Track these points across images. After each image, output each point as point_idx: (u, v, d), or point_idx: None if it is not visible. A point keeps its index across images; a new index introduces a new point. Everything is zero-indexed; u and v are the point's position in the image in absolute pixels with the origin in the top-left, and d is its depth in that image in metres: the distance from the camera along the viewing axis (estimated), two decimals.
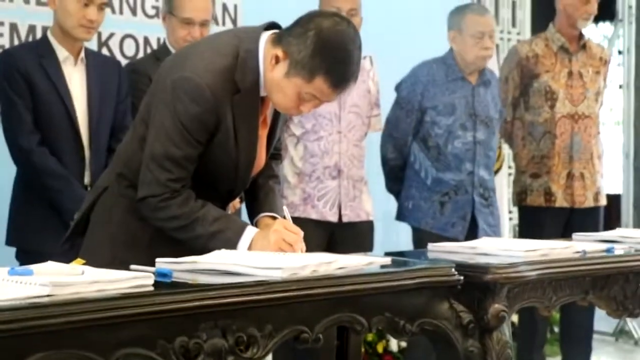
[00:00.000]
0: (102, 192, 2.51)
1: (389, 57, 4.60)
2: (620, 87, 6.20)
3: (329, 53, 2.28)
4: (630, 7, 6.12)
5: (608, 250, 2.67)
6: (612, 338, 5.91)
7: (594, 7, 4.44)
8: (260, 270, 1.96)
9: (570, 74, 4.46)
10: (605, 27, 8.55)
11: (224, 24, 4.55)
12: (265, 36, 2.38)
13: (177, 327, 1.73)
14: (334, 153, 3.87)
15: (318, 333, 1.95)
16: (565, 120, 4.43)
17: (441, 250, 2.63)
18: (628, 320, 5.85)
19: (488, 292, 2.27)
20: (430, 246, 2.66)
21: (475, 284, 2.27)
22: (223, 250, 2.26)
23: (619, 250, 2.71)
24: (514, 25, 5.86)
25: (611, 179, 6.44)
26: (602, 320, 5.08)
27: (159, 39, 4.09)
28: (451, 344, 2.22)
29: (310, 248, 2.45)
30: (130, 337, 1.66)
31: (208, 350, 1.75)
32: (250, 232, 2.38)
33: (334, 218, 3.88)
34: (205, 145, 2.38)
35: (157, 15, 4.17)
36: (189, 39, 3.49)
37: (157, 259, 2.07)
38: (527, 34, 5.77)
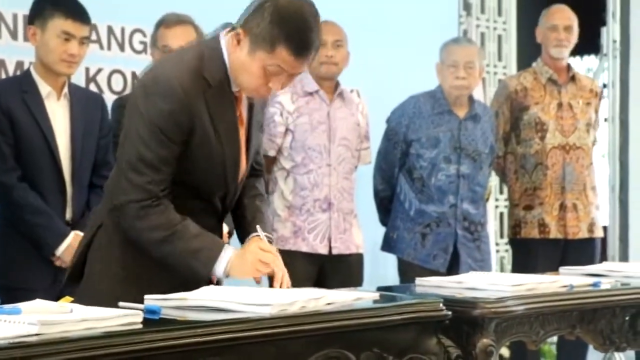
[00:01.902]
0: (97, 230, 2.47)
1: (380, 90, 4.64)
2: (606, 120, 6.24)
3: (287, 22, 2.28)
4: (614, 41, 6.18)
5: (595, 285, 2.68)
6: None
7: (563, 35, 4.47)
8: (249, 306, 1.97)
9: (560, 105, 4.49)
10: (590, 60, 8.61)
11: None
12: (224, 32, 2.39)
13: None
14: (324, 186, 3.89)
15: None
16: (556, 151, 4.45)
17: (429, 284, 2.63)
18: (615, 353, 5.84)
19: (476, 327, 2.29)
20: (418, 280, 2.67)
21: (464, 319, 2.28)
22: (212, 287, 2.26)
23: (605, 284, 2.72)
24: (499, 59, 5.90)
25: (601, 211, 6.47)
26: (590, 354, 5.08)
27: None
28: None
29: (300, 281, 2.46)
30: None
31: None
32: (228, 252, 2.35)
33: (324, 251, 3.89)
34: (180, 146, 2.33)
35: (145, 50, 4.18)
36: None
37: (146, 296, 2.07)
38: (513, 67, 5.82)
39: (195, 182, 2.41)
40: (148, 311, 1.91)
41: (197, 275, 2.35)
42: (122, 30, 4.17)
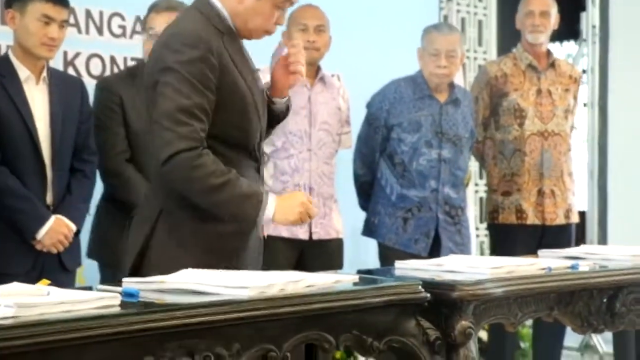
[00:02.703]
0: (158, 216, 2.45)
1: (361, 74, 4.63)
2: (585, 105, 6.26)
3: None
4: (594, 26, 6.19)
5: (573, 267, 2.69)
6: (577, 353, 5.94)
7: (539, 20, 4.46)
8: (227, 289, 1.96)
9: (539, 91, 4.49)
10: (570, 46, 8.63)
11: None
12: None
13: (144, 348, 1.72)
14: (304, 171, 3.87)
15: (286, 351, 1.95)
16: (534, 137, 4.45)
17: (408, 267, 2.63)
18: (593, 335, 5.89)
19: (455, 309, 2.29)
20: (398, 263, 2.66)
21: (442, 301, 2.28)
22: (190, 270, 2.25)
23: (583, 267, 2.73)
24: (480, 44, 5.90)
25: (579, 196, 6.50)
26: (568, 335, 5.11)
27: (125, 59, 4.09)
28: None
29: (280, 266, 2.48)
30: (96, 357, 1.65)
31: None
32: (272, 197, 2.45)
33: (304, 236, 3.88)
34: (213, 93, 2.38)
35: (124, 34, 4.16)
36: None
37: (124, 279, 2.06)
38: (493, 53, 5.82)
39: (232, 132, 2.46)
40: (126, 294, 1.90)
41: (246, 221, 2.43)
42: (101, 14, 4.13)
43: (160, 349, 1.74)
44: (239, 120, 2.47)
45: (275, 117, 2.71)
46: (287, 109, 2.75)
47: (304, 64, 2.64)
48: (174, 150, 2.32)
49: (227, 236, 2.47)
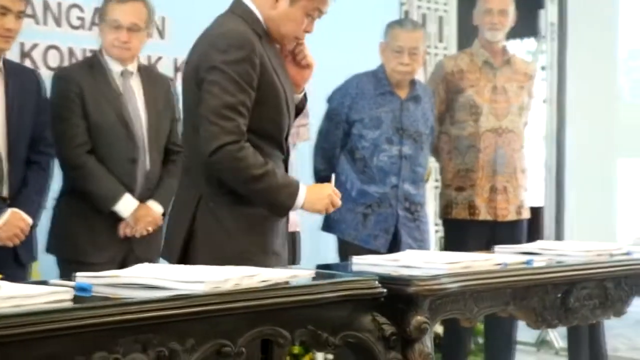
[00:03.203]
0: (198, 202, 2.66)
1: (322, 69, 4.61)
2: (544, 101, 6.31)
3: None
4: (552, 23, 6.23)
5: (528, 262, 2.71)
6: (533, 348, 5.99)
7: (497, 18, 4.48)
8: (182, 283, 1.95)
9: (494, 88, 4.51)
10: (530, 43, 8.69)
11: (151, 35, 4.50)
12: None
13: (96, 343, 1.71)
14: None
15: (241, 347, 1.94)
16: (489, 134, 4.48)
17: (365, 263, 2.64)
18: (549, 330, 5.94)
19: (411, 304, 2.29)
20: (355, 259, 2.67)
21: (398, 296, 2.28)
22: (146, 264, 2.24)
23: (538, 262, 2.75)
24: (440, 40, 5.93)
25: (536, 192, 6.56)
26: (524, 331, 5.15)
27: (84, 50, 4.04)
28: (374, 356, 2.23)
29: None
30: (48, 353, 1.64)
31: None
32: (303, 187, 2.68)
33: None
34: (254, 91, 2.59)
35: (82, 26, 4.11)
36: (117, 43, 3.48)
37: (77, 273, 2.04)
38: (453, 49, 5.84)
39: (266, 125, 2.67)
40: (78, 288, 1.88)
41: (280, 209, 2.67)
42: (59, 5, 4.08)
43: (113, 344, 1.73)
44: (273, 114, 2.68)
45: (297, 108, 2.90)
46: (304, 102, 2.95)
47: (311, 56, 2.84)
48: (220, 143, 2.55)
49: (263, 218, 2.68)
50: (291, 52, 2.81)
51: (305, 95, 2.94)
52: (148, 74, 3.68)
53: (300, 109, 2.93)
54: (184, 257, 2.66)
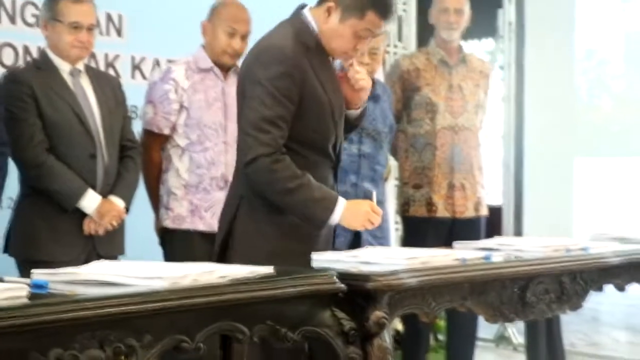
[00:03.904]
0: (240, 201, 2.81)
1: None
2: (502, 100, 6.36)
3: None
4: (510, 23, 6.29)
5: (486, 258, 2.73)
6: (492, 344, 6.04)
7: (453, 18, 4.51)
8: (141, 280, 1.94)
9: (450, 87, 4.55)
10: (489, 42, 8.76)
11: (108, 34, 4.48)
12: (306, 9, 2.81)
13: (52, 339, 1.70)
14: (220, 164, 3.84)
15: (199, 342, 1.94)
16: (445, 132, 4.51)
17: (325, 259, 2.64)
18: (508, 326, 5.99)
19: (370, 300, 2.30)
20: (314, 255, 2.65)
21: (358, 292, 2.29)
22: (104, 261, 2.23)
23: (496, 257, 2.77)
24: (400, 39, 5.95)
25: (495, 190, 6.61)
26: (483, 327, 5.20)
27: (39, 48, 4.00)
28: (333, 351, 2.24)
29: (198, 259, 2.45)
30: (3, 349, 1.62)
31: None
32: (342, 202, 2.74)
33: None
34: (295, 104, 2.69)
35: (37, 23, 4.07)
36: (77, 44, 3.46)
37: (34, 270, 2.03)
38: (412, 48, 5.87)
39: (311, 135, 2.77)
40: (35, 285, 1.87)
41: (316, 222, 2.73)
42: (13, 2, 4.04)
43: (69, 341, 1.72)
44: (316, 125, 2.77)
45: (352, 123, 3.01)
46: (362, 116, 3.05)
47: (365, 78, 2.90)
48: (254, 154, 2.67)
49: (298, 226, 2.76)
50: (345, 76, 2.89)
51: (363, 110, 3.04)
52: (95, 73, 3.70)
53: (355, 125, 3.06)
54: (223, 254, 2.81)
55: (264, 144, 2.67)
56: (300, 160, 2.74)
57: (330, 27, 2.75)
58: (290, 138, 2.73)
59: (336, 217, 2.73)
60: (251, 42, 3.92)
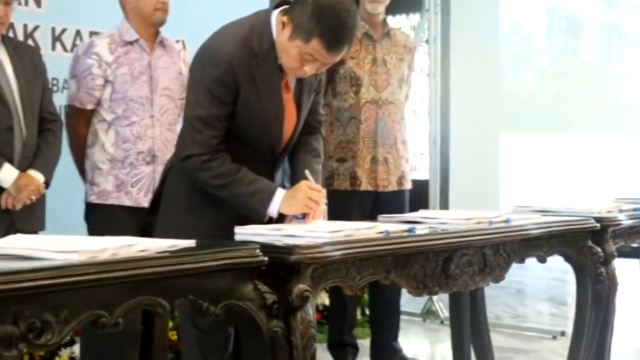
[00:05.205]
0: (168, 172, 2.96)
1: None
2: (428, 75, 6.39)
3: (325, 18, 2.62)
4: None
5: (410, 230, 2.73)
6: (419, 318, 6.11)
7: None
8: (57, 254, 1.90)
9: (374, 60, 4.56)
10: (415, 18, 8.81)
11: (26, 4, 4.38)
12: (278, 10, 2.76)
13: None
14: (147, 138, 3.80)
15: (118, 317, 1.90)
16: (369, 105, 4.53)
17: (248, 232, 2.62)
18: (434, 300, 6.07)
19: (293, 273, 2.29)
20: (237, 229, 2.64)
21: (281, 265, 2.28)
22: (20, 235, 2.18)
23: (420, 230, 2.79)
24: None
25: (423, 165, 6.66)
26: (410, 302, 5.26)
27: None
28: (256, 325, 2.23)
29: (125, 234, 2.41)
30: None
31: None
32: (280, 193, 2.77)
33: (148, 204, 3.81)
34: (231, 106, 2.75)
35: None
36: None
37: None
38: None
39: (245, 135, 2.82)
40: None
41: (255, 214, 2.77)
42: None
43: None
44: (248, 127, 2.81)
45: None
46: None
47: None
48: (188, 153, 2.78)
49: (211, 206, 2.84)
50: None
51: None
52: (13, 43, 3.60)
53: None
54: (150, 225, 2.96)
55: (197, 143, 2.75)
56: (239, 155, 2.80)
57: (281, 40, 2.72)
58: (229, 133, 2.80)
59: (274, 208, 2.77)
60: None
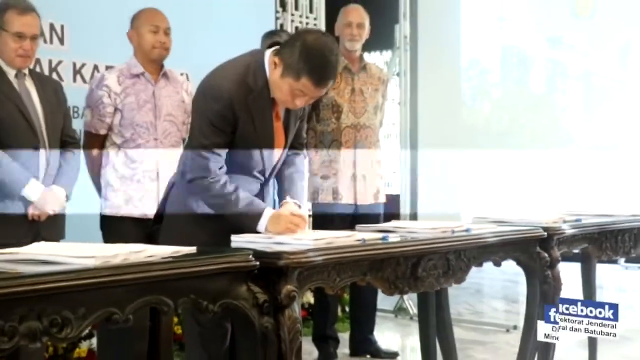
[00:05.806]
0: (170, 188, 2.95)
1: (199, 79, 4.57)
2: (399, 103, 6.42)
3: (311, 58, 2.62)
4: (405, 36, 6.36)
5: (383, 239, 2.73)
6: (392, 314, 6.10)
7: (355, 31, 4.56)
8: (75, 259, 1.89)
9: (353, 90, 4.58)
10: (387, 54, 8.84)
11: (51, 42, 4.37)
12: (270, 50, 2.74)
13: None
14: (152, 158, 3.79)
15: (128, 314, 1.90)
16: (349, 130, 4.55)
17: (242, 240, 2.62)
18: (405, 298, 6.07)
19: (281, 275, 2.29)
20: (233, 237, 2.65)
21: (271, 269, 2.28)
22: (43, 242, 2.17)
23: (392, 238, 2.79)
24: (311, 11, 5.98)
25: (395, 181, 6.66)
26: (384, 300, 5.25)
27: None
28: (249, 321, 2.22)
29: (132, 242, 2.39)
30: None
31: (23, 331, 1.68)
32: (267, 213, 2.74)
33: (153, 215, 3.79)
34: (230, 135, 2.74)
35: None
36: (21, 52, 3.36)
37: None
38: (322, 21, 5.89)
39: (241, 159, 2.81)
40: None
41: (247, 229, 2.71)
42: None
43: (9, 314, 1.67)
44: (243, 155, 2.81)
45: None
46: None
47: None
48: (192, 176, 2.77)
49: (211, 217, 2.81)
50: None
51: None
52: (39, 76, 3.60)
53: None
54: (156, 232, 2.95)
55: (201, 168, 2.74)
56: (235, 175, 2.80)
57: (274, 78, 2.70)
58: (228, 158, 2.79)
59: (262, 226, 2.73)
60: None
